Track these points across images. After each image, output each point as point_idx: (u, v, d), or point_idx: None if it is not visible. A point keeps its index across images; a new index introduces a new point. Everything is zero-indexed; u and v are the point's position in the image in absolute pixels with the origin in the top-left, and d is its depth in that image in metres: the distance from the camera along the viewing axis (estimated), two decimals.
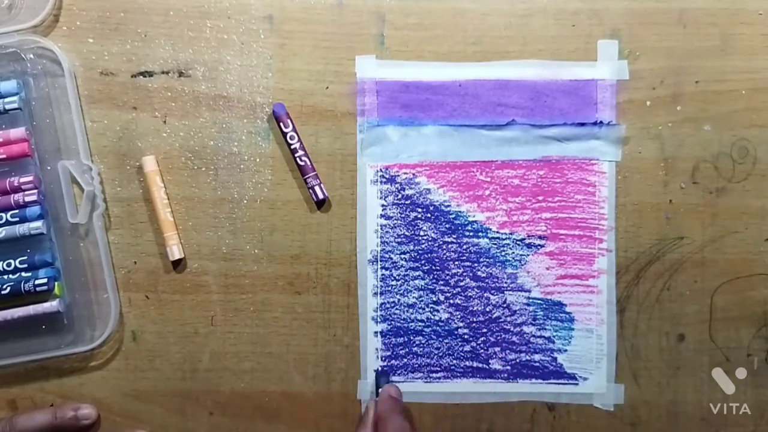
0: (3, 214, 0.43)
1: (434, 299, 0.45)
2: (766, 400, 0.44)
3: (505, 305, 0.45)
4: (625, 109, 0.44)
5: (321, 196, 0.44)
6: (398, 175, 0.45)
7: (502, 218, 0.45)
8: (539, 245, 0.45)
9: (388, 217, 0.45)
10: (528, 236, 0.45)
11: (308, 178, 0.44)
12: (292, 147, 0.44)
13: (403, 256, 0.45)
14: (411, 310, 0.45)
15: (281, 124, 0.44)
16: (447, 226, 0.45)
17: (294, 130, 0.44)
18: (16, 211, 0.43)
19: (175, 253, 0.44)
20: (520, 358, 0.45)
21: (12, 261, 0.43)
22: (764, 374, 0.44)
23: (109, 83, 0.45)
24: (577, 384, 0.45)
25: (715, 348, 0.44)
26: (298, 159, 0.44)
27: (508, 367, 0.45)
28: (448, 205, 0.45)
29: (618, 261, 0.44)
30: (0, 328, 0.43)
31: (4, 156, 0.43)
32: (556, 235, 0.45)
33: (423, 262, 0.45)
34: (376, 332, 0.45)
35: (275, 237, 0.45)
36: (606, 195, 0.44)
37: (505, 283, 0.45)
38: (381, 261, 0.45)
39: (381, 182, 0.45)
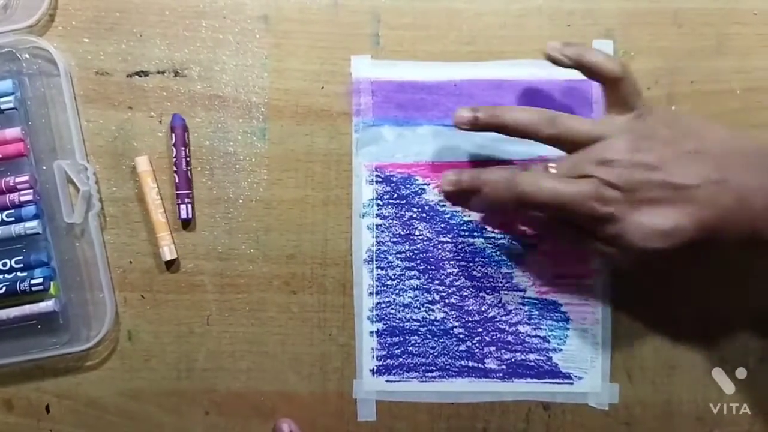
0: None
1: (429, 299, 0.45)
2: (760, 401, 0.44)
3: (500, 305, 0.45)
4: None
5: (185, 216, 0.44)
6: (393, 175, 0.45)
7: (498, 217, 0.45)
8: (534, 244, 0.45)
9: (384, 217, 0.45)
10: (523, 236, 0.45)
11: (180, 194, 0.44)
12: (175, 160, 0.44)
13: (398, 255, 0.45)
14: (406, 310, 0.45)
15: (173, 134, 0.44)
16: (442, 225, 0.45)
17: (183, 145, 0.44)
18: (12, 210, 0.43)
19: (168, 253, 0.44)
20: (515, 357, 0.45)
21: (7, 261, 0.43)
22: (760, 374, 0.44)
23: (105, 83, 0.45)
24: (572, 383, 0.45)
25: (710, 347, 0.44)
26: (180, 174, 0.44)
27: (504, 367, 0.45)
28: (444, 205, 0.45)
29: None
30: None
31: None
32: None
33: (418, 261, 0.45)
34: (371, 332, 0.45)
35: (271, 236, 0.45)
36: None
37: (501, 282, 0.45)
38: (376, 261, 0.45)
39: (376, 182, 0.45)
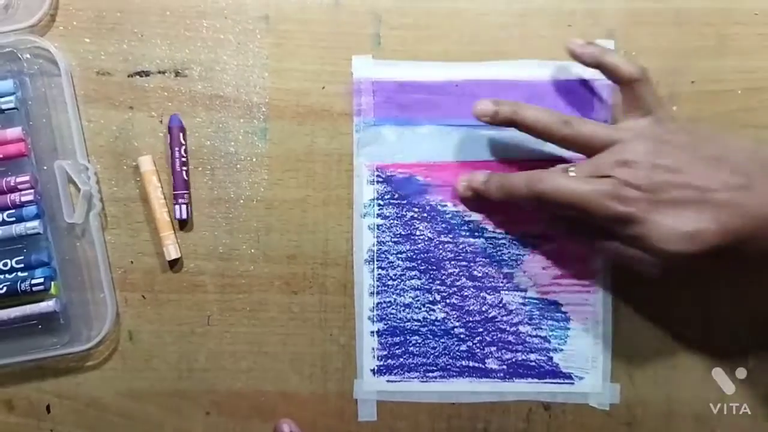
0: None
1: (430, 299, 0.45)
2: (760, 401, 0.44)
3: (501, 305, 0.45)
4: None
5: (183, 216, 0.44)
6: (394, 175, 0.45)
7: (499, 218, 0.45)
8: (535, 245, 0.45)
9: (385, 217, 0.45)
10: (524, 236, 0.45)
11: (176, 194, 0.44)
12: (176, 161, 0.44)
13: (399, 255, 0.45)
14: (407, 310, 0.45)
15: (169, 134, 0.44)
16: (443, 225, 0.45)
17: (178, 146, 0.44)
18: (13, 210, 0.43)
19: (172, 252, 0.44)
20: (516, 357, 0.45)
21: (8, 261, 0.43)
22: (760, 374, 0.44)
23: (106, 83, 0.45)
24: (572, 383, 0.45)
25: (711, 347, 0.44)
26: (176, 175, 0.44)
27: (504, 367, 0.45)
28: (445, 205, 0.45)
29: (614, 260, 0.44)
30: None
31: (0, 156, 0.43)
32: (552, 234, 0.45)
33: (419, 261, 0.45)
34: (372, 332, 0.45)
35: (272, 237, 0.45)
36: None
37: (501, 282, 0.45)
38: (377, 261, 0.45)
39: (377, 182, 0.45)
